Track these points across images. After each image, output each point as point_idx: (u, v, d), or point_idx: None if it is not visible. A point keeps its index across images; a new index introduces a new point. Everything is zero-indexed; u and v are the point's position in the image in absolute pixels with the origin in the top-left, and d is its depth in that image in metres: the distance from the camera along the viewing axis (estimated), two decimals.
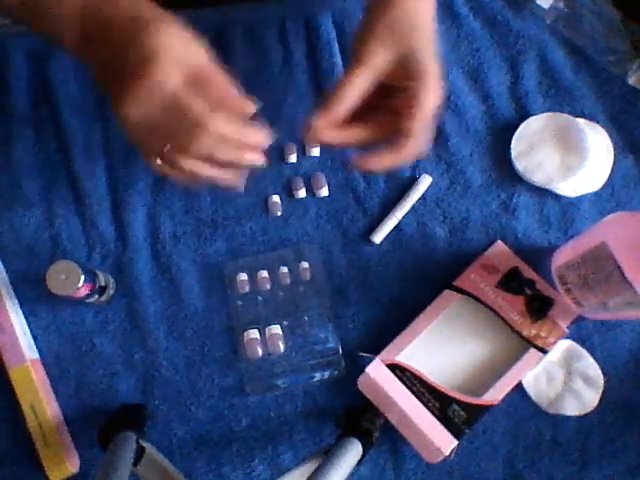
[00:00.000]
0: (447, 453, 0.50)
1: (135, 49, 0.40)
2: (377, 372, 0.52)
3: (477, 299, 0.54)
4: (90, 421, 0.53)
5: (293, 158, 0.57)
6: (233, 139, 0.42)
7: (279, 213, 0.56)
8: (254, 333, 0.54)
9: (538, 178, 0.56)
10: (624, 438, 0.54)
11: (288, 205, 0.57)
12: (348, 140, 0.46)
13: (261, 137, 0.44)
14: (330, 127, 0.45)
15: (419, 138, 0.45)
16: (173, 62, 0.40)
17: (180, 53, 0.41)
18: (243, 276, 0.55)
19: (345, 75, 0.45)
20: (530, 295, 0.54)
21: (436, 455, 0.50)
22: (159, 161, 0.43)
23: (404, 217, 0.56)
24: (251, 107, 0.44)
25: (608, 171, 0.57)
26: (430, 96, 0.45)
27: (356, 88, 0.45)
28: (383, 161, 0.46)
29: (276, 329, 0.54)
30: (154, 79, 0.39)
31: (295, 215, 0.57)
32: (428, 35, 0.45)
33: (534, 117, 0.57)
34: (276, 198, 0.56)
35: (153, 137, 0.41)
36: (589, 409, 0.54)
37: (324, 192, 0.56)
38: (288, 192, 0.57)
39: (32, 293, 0.55)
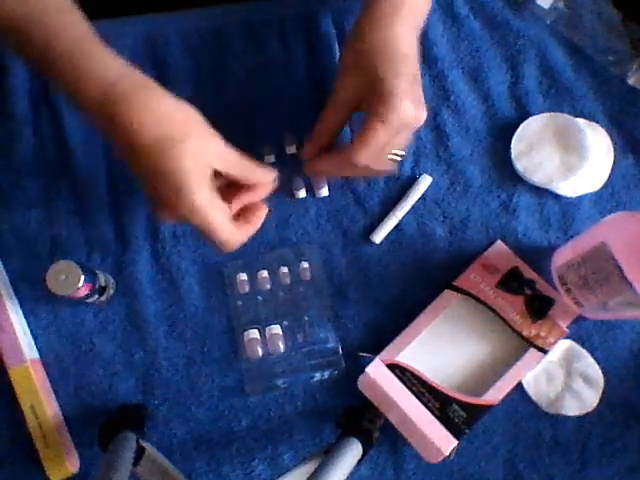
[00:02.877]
0: (447, 453, 0.50)
1: (165, 178, 0.44)
2: (377, 372, 0.52)
3: (477, 299, 0.54)
4: (90, 421, 0.53)
5: (293, 149, 0.57)
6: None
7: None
8: (254, 333, 0.54)
9: (538, 178, 0.56)
10: (624, 438, 0.54)
11: (288, 205, 0.57)
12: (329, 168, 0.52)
13: (266, 211, 0.51)
14: (318, 156, 0.52)
15: (363, 159, 0.48)
16: (201, 182, 0.45)
17: (204, 165, 0.45)
18: (243, 276, 0.55)
19: (324, 109, 0.51)
20: (530, 295, 0.54)
21: (436, 455, 0.50)
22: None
23: (404, 217, 0.56)
24: (273, 176, 0.51)
25: (608, 171, 0.57)
26: (393, 119, 0.46)
27: (331, 120, 0.51)
28: (322, 165, 0.52)
29: (276, 329, 0.54)
30: (187, 206, 0.44)
31: (295, 215, 0.57)
32: (397, 61, 0.47)
33: (534, 117, 0.57)
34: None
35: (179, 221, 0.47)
36: (589, 409, 0.54)
37: (324, 192, 0.56)
38: (288, 192, 0.57)
39: (32, 293, 0.55)
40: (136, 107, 0.44)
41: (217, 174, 0.47)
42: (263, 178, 0.51)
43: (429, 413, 0.51)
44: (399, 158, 0.51)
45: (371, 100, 0.47)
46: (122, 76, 0.45)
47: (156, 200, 0.46)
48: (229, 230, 0.47)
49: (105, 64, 0.45)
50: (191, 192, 0.44)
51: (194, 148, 0.45)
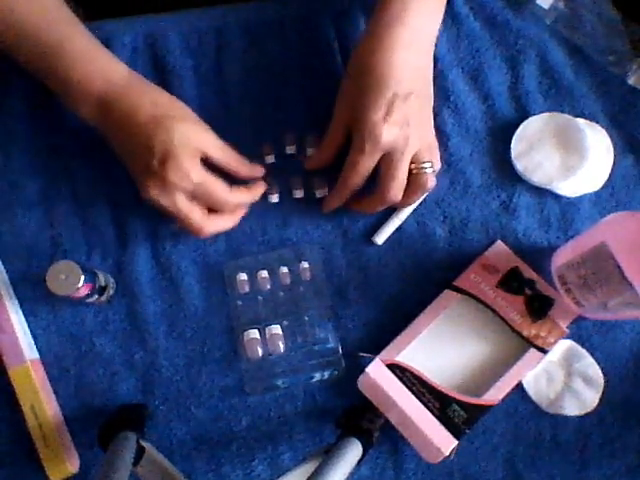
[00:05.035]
0: (447, 453, 0.50)
1: (157, 146, 0.47)
2: (377, 372, 0.52)
3: (477, 299, 0.54)
4: (90, 421, 0.53)
5: (293, 149, 0.57)
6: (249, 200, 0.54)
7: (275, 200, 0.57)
8: (254, 333, 0.54)
9: (538, 178, 0.56)
10: (624, 438, 0.54)
11: (288, 205, 0.57)
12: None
13: (263, 187, 0.55)
14: (330, 194, 0.55)
15: (355, 182, 0.51)
16: (191, 157, 0.48)
17: (195, 146, 0.49)
18: (243, 276, 0.55)
19: (329, 128, 0.53)
20: (530, 295, 0.54)
21: (436, 455, 0.50)
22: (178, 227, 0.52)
23: (406, 218, 0.56)
24: (260, 172, 0.55)
25: (608, 171, 0.57)
26: (371, 147, 0.49)
27: (333, 139, 0.53)
28: (334, 201, 0.55)
29: (276, 329, 0.54)
30: (177, 175, 0.47)
31: (295, 215, 0.57)
32: (377, 85, 0.49)
33: (534, 117, 0.57)
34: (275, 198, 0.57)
35: (172, 215, 0.50)
36: (589, 409, 0.54)
37: (324, 192, 0.56)
38: (288, 192, 0.57)
39: (32, 293, 0.55)
40: (136, 94, 0.50)
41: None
42: (254, 171, 0.54)
43: (429, 413, 0.51)
44: (429, 170, 0.52)
45: (355, 127, 0.50)
46: (124, 76, 0.51)
47: (144, 179, 0.49)
48: (203, 215, 0.51)
49: (110, 66, 0.51)
50: (180, 161, 0.47)
51: (189, 130, 0.49)
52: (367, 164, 0.50)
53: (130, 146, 0.49)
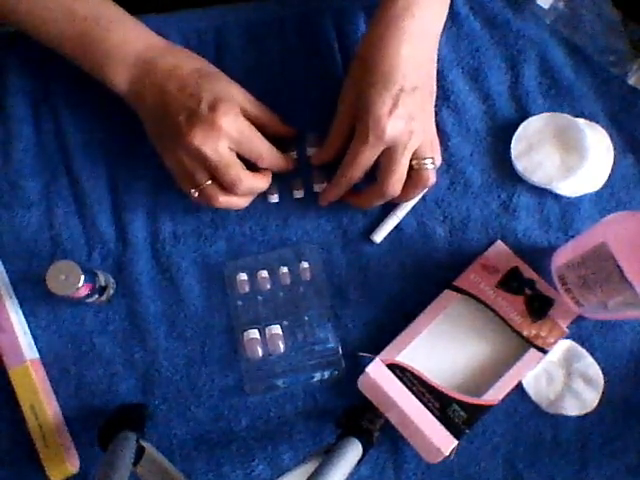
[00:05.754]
0: (447, 453, 0.50)
1: (205, 93, 0.49)
2: (377, 372, 0.52)
3: (477, 299, 0.54)
4: (90, 421, 0.53)
5: (293, 155, 0.57)
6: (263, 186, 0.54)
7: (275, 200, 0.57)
8: (254, 333, 0.54)
9: (538, 178, 0.56)
10: (624, 438, 0.54)
11: (288, 205, 0.57)
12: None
13: (291, 162, 0.55)
14: (327, 188, 0.55)
15: (356, 174, 0.51)
16: (236, 106, 0.50)
17: (239, 99, 0.51)
18: (243, 276, 0.55)
19: (333, 123, 0.53)
20: (530, 295, 0.54)
21: (436, 455, 0.50)
22: (194, 191, 0.51)
23: (404, 217, 0.56)
24: (294, 133, 0.56)
25: (608, 171, 0.57)
26: (374, 139, 0.48)
27: (338, 133, 0.53)
28: (331, 193, 0.54)
29: (276, 329, 0.54)
30: (226, 120, 0.48)
31: (295, 215, 0.57)
32: (383, 78, 0.49)
33: (534, 117, 0.57)
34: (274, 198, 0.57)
35: (210, 167, 0.49)
36: (589, 409, 0.54)
37: (323, 187, 0.56)
38: (288, 192, 0.57)
39: (32, 293, 0.55)
40: (177, 52, 0.53)
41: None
42: (289, 131, 0.56)
43: (429, 413, 0.51)
44: (430, 166, 0.52)
45: (359, 119, 0.49)
46: (162, 40, 0.54)
47: (189, 127, 0.48)
48: (246, 172, 0.51)
49: (147, 32, 0.53)
50: (229, 107, 0.49)
51: (230, 85, 0.52)
52: (369, 156, 0.50)
53: (172, 100, 0.49)
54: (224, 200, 0.51)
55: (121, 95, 0.52)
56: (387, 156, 0.50)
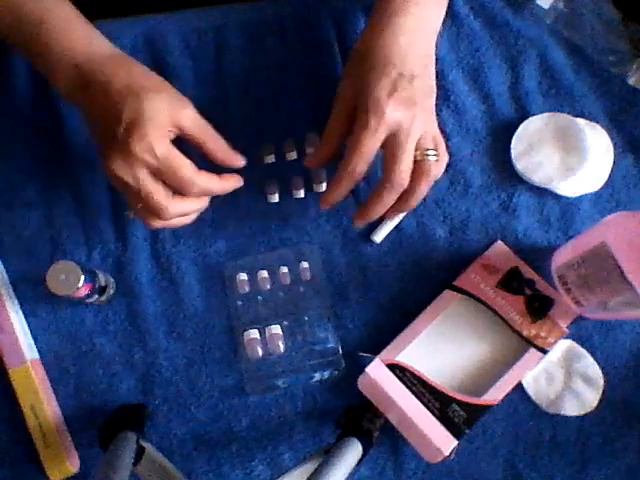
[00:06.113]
0: (447, 453, 0.50)
1: (126, 114, 0.45)
2: (377, 372, 0.52)
3: (477, 299, 0.54)
4: (90, 421, 0.53)
5: (294, 155, 0.57)
6: (217, 189, 0.50)
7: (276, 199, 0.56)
8: (254, 333, 0.54)
9: (538, 178, 0.56)
10: (624, 438, 0.54)
11: (288, 205, 0.57)
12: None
13: (237, 181, 0.52)
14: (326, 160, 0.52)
15: (359, 167, 0.48)
16: (159, 129, 0.45)
17: (167, 119, 0.46)
18: (243, 276, 0.55)
19: (330, 117, 0.51)
20: (530, 295, 0.54)
21: (436, 455, 0.50)
22: (128, 213, 0.49)
23: (404, 217, 0.56)
24: (239, 161, 0.52)
25: (608, 171, 0.57)
26: (376, 124, 0.46)
27: (335, 130, 0.50)
28: (335, 193, 0.50)
29: (276, 329, 0.54)
30: (141, 146, 0.44)
31: (295, 215, 0.57)
32: (382, 65, 0.48)
33: (534, 117, 0.57)
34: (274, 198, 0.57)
35: (132, 193, 0.46)
36: (589, 409, 0.54)
37: (323, 187, 0.56)
38: (288, 192, 0.57)
39: (32, 293, 0.55)
40: (113, 65, 0.48)
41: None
42: (232, 157, 0.51)
43: (429, 413, 0.51)
44: (432, 158, 0.50)
45: (359, 106, 0.48)
46: (104, 48, 0.50)
47: (107, 149, 0.46)
48: (171, 199, 0.47)
49: (90, 39, 0.50)
50: (146, 132, 0.44)
51: (162, 101, 0.46)
52: (372, 143, 0.47)
53: (101, 115, 0.46)
54: (160, 224, 0.48)
55: None
56: (391, 144, 0.48)
